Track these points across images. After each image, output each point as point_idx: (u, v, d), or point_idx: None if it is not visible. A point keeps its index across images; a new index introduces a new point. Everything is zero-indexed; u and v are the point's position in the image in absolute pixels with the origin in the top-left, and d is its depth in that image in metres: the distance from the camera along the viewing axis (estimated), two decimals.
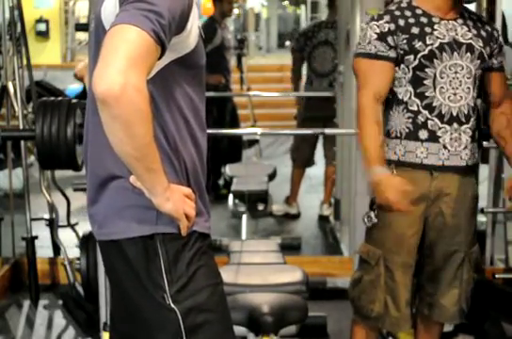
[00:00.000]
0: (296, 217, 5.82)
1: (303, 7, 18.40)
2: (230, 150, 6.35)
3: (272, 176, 5.60)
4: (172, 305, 1.85)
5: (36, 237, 4.04)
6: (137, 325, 1.92)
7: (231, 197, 5.26)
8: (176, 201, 1.79)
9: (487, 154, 4.13)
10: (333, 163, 5.34)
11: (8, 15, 4.19)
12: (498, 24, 4.09)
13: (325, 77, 5.68)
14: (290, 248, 4.42)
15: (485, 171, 4.17)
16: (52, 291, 4.19)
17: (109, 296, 3.04)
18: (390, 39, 2.65)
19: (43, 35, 13.17)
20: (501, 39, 2.81)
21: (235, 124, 6.47)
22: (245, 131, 6.36)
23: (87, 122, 1.96)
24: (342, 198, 4.94)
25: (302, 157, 5.81)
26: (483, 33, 2.73)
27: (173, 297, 1.85)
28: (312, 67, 5.76)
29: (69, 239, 4.28)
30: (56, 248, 4.28)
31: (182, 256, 1.87)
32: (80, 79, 6.41)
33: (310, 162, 5.88)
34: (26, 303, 4.00)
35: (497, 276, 3.91)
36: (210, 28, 5.96)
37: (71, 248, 4.09)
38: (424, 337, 2.98)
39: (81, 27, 4.80)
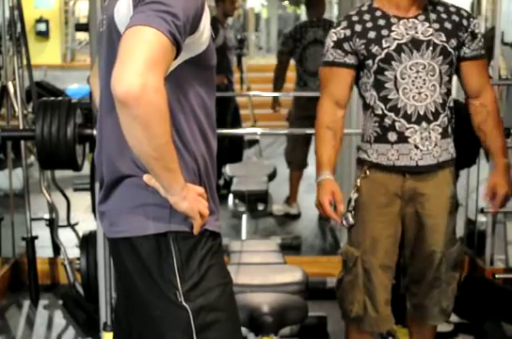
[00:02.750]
0: (296, 217, 5.82)
1: (303, 7, 18.41)
2: (231, 150, 6.35)
3: (272, 176, 5.60)
4: (184, 303, 1.86)
5: (36, 237, 4.04)
6: (146, 322, 1.92)
7: (231, 197, 5.26)
8: (192, 200, 1.82)
9: (487, 154, 4.13)
10: None
11: (8, 15, 4.19)
12: (498, 22, 4.09)
13: (317, 76, 5.67)
14: (290, 248, 4.42)
15: (485, 171, 4.17)
16: (52, 291, 4.19)
17: (112, 294, 3.04)
18: (346, 45, 2.67)
19: (43, 35, 13.17)
20: (474, 25, 2.70)
21: (237, 125, 6.46)
22: (245, 131, 6.36)
23: (99, 123, 1.97)
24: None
25: (297, 159, 5.80)
26: (447, 25, 2.66)
27: (185, 295, 1.86)
28: (304, 67, 5.74)
29: (69, 239, 4.28)
30: (56, 248, 4.28)
31: (194, 255, 1.88)
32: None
33: (305, 163, 5.87)
34: (26, 303, 4.00)
35: (497, 276, 3.91)
36: (213, 28, 5.94)
37: (71, 248, 4.09)
38: (418, 337, 2.98)
39: (81, 27, 4.81)
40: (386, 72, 2.64)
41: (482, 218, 4.33)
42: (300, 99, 5.80)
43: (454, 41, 2.67)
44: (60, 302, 3.98)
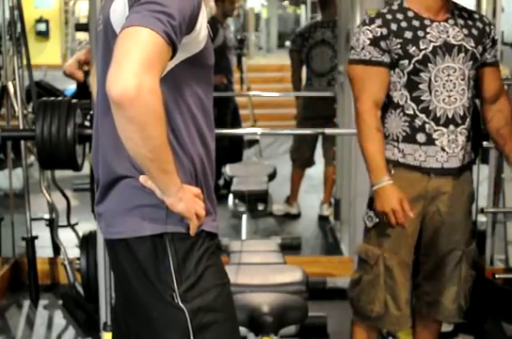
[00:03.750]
0: (297, 217, 5.82)
1: (303, 7, 18.39)
2: (230, 150, 6.34)
3: (272, 176, 5.60)
4: (181, 304, 1.86)
5: (36, 237, 4.04)
6: (144, 323, 1.92)
7: (231, 197, 5.26)
8: (188, 201, 1.81)
9: (487, 154, 4.13)
10: (333, 163, 5.34)
11: (8, 15, 4.19)
12: (498, 22, 4.09)
13: (323, 77, 5.69)
14: (290, 248, 4.42)
15: (485, 171, 4.17)
16: (52, 291, 4.19)
17: (112, 294, 3.04)
18: (383, 43, 2.64)
19: (43, 35, 13.19)
20: (493, 32, 2.78)
21: (237, 125, 6.46)
22: (245, 131, 6.36)
23: (96, 123, 1.97)
24: (342, 198, 4.94)
25: (302, 158, 5.81)
26: (474, 31, 2.71)
27: (182, 296, 1.86)
28: (311, 67, 5.76)
29: (69, 239, 4.28)
30: (56, 248, 4.28)
31: (191, 256, 1.88)
32: (69, 76, 6.38)
33: (310, 162, 5.88)
34: (26, 303, 4.00)
35: (497, 276, 3.91)
36: (212, 28, 5.94)
37: (71, 248, 4.09)
38: (423, 337, 2.99)
39: (81, 27, 4.80)
40: (421, 74, 2.64)
41: (482, 218, 4.33)
42: (305, 99, 5.82)
43: (480, 48, 2.71)
44: (60, 302, 3.98)
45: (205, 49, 1.87)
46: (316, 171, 6.20)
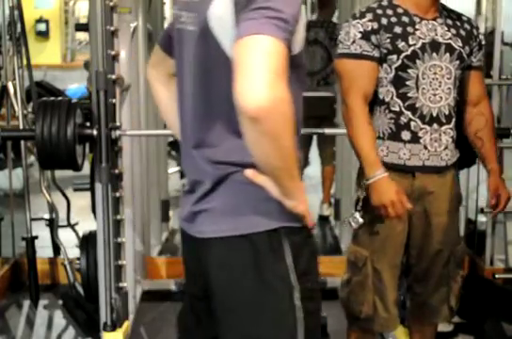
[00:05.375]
0: None
1: (303, 6, 18.40)
2: None
3: None
4: (296, 302, 1.80)
5: (36, 237, 4.04)
6: (251, 323, 1.82)
7: None
8: (304, 199, 1.78)
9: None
10: (332, 163, 5.33)
11: (8, 15, 4.19)
12: (499, 22, 4.10)
13: (315, 76, 5.69)
14: None
15: (485, 171, 4.16)
16: (52, 291, 4.19)
17: (114, 293, 3.04)
18: (373, 38, 2.61)
19: (43, 35, 13.20)
20: (481, 37, 2.79)
21: None
22: None
23: (186, 123, 1.90)
24: (342, 198, 4.94)
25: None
26: (462, 32, 2.71)
27: (299, 294, 1.79)
28: None
29: (69, 239, 4.28)
30: (56, 248, 4.28)
31: (303, 251, 1.83)
32: None
33: (304, 163, 5.87)
34: (26, 303, 4.00)
35: (497, 276, 3.91)
36: None
37: (71, 248, 4.09)
38: (419, 337, 2.99)
39: (81, 27, 4.80)
40: (409, 70, 2.63)
41: (482, 218, 4.33)
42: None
43: (467, 48, 2.71)
44: (60, 302, 3.98)
45: (302, 50, 1.84)
46: (315, 171, 6.20)
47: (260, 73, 1.55)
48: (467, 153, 2.99)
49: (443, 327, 3.44)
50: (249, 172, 1.75)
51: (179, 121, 1.96)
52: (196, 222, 1.87)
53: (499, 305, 3.76)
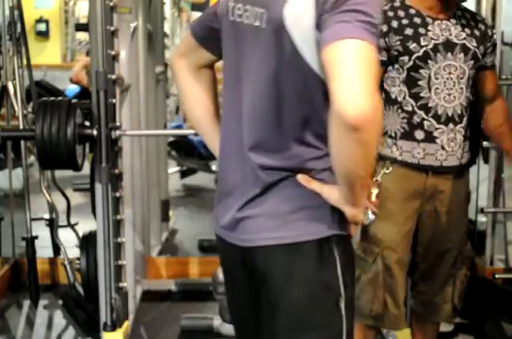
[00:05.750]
0: None
1: None
2: None
3: None
4: (343, 311, 1.76)
5: (36, 237, 4.04)
6: (297, 331, 1.77)
7: None
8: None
9: (487, 154, 4.13)
10: None
11: (8, 15, 4.19)
12: (499, 22, 4.09)
13: None
14: None
15: (485, 171, 4.17)
16: (52, 291, 4.19)
17: (114, 293, 3.04)
18: (381, 41, 2.63)
19: (43, 35, 13.18)
20: (495, 37, 2.81)
21: None
22: None
23: (231, 126, 1.81)
24: None
25: None
26: (476, 32, 2.73)
27: (345, 303, 1.76)
28: None
29: (69, 239, 4.28)
30: (56, 248, 4.28)
31: (351, 259, 1.80)
32: (77, 83, 6.38)
33: None
34: (26, 303, 4.00)
35: (497, 276, 3.91)
36: None
37: (71, 248, 4.09)
38: (421, 336, 2.99)
39: (81, 27, 4.80)
40: (421, 70, 2.64)
41: (482, 218, 4.33)
42: None
43: (482, 48, 2.73)
44: (60, 302, 3.98)
45: None
46: None
47: (363, 82, 1.51)
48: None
49: (443, 327, 3.43)
50: (303, 178, 1.71)
51: (225, 120, 1.86)
52: (240, 229, 1.79)
53: (499, 305, 3.76)
